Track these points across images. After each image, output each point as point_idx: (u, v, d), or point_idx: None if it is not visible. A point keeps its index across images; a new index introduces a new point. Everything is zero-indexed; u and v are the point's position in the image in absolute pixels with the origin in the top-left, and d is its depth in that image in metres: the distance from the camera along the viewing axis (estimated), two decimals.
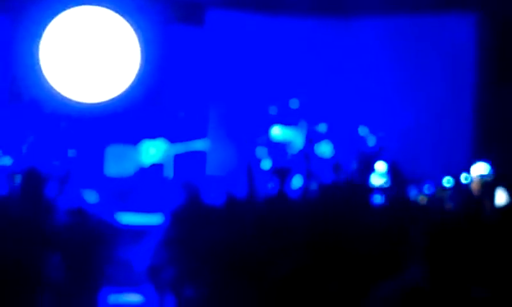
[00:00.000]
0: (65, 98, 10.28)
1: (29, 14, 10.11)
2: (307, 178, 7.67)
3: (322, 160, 9.55)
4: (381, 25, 10.80)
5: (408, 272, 2.93)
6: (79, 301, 5.32)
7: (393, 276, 2.89)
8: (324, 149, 9.73)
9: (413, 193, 8.32)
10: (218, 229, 4.78)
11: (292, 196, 6.18)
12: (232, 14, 10.80)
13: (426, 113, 10.44)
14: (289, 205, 5.33)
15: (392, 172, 8.12)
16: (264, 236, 4.34)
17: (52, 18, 10.29)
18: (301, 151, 9.71)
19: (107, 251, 5.79)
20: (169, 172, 9.78)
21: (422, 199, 7.83)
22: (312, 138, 9.74)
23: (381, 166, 7.85)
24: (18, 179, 7.61)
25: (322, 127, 9.86)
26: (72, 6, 10.35)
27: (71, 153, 9.32)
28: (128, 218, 7.82)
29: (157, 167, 9.78)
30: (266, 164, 9.48)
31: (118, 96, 10.54)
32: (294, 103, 9.93)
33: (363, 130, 9.84)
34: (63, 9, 10.32)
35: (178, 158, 9.89)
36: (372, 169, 9.01)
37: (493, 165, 7.76)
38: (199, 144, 10.01)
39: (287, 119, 9.83)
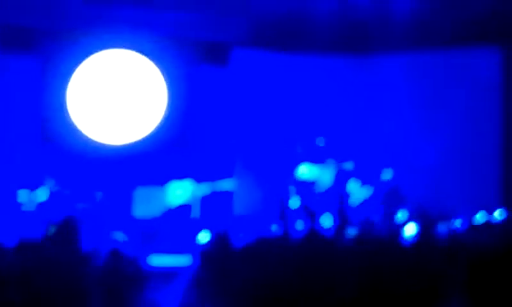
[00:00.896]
0: (92, 140, 10.35)
1: (58, 57, 10.25)
2: (340, 218, 7.61)
3: (351, 199, 9.52)
4: (402, 62, 10.82)
5: None
6: None
7: None
8: (353, 188, 9.71)
9: (443, 230, 8.24)
10: (250, 269, 4.72)
11: (323, 235, 6.11)
12: (256, 53, 10.87)
13: (451, 150, 10.35)
14: (324, 245, 5.27)
15: (419, 214, 8.10)
16: (298, 276, 4.28)
17: (81, 61, 10.42)
18: (329, 190, 9.69)
19: (138, 294, 5.74)
20: (196, 213, 9.78)
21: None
22: (342, 177, 9.72)
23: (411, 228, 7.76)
24: (53, 229, 7.65)
25: (349, 165, 9.84)
26: (100, 50, 10.49)
27: (99, 195, 9.37)
28: (157, 260, 7.79)
29: (184, 208, 9.79)
30: (294, 203, 9.46)
31: (145, 137, 10.58)
32: (320, 141, 9.95)
33: (385, 172, 9.82)
34: (91, 52, 10.45)
35: (206, 199, 9.88)
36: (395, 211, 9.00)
37: None
38: (226, 185, 10.00)
39: (313, 158, 9.83)
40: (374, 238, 5.44)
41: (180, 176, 9.90)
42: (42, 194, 9.11)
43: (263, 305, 4.15)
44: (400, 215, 8.98)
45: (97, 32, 10.27)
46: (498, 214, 8.10)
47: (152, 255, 7.57)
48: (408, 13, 10.07)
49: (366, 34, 10.64)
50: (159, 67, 10.67)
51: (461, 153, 10.29)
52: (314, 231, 6.05)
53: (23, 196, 9.09)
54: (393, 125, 10.85)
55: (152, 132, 10.60)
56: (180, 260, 7.81)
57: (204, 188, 9.90)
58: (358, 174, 9.84)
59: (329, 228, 8.26)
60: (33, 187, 9.16)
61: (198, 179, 9.92)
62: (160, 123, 10.63)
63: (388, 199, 9.72)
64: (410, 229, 7.55)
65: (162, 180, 9.97)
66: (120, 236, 8.62)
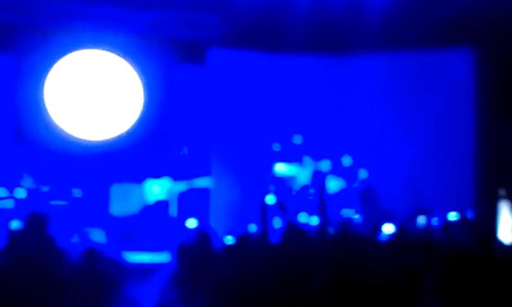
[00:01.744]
0: (69, 135, 10.27)
1: (34, 54, 10.15)
2: (318, 215, 7.66)
3: (329, 196, 9.56)
4: (379, 62, 10.85)
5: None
6: None
7: None
8: (331, 185, 9.76)
9: (418, 227, 8.35)
10: (228, 267, 4.74)
11: (300, 232, 6.14)
12: (233, 52, 10.86)
13: (426, 148, 10.41)
14: (301, 242, 5.30)
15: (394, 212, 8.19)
16: (276, 274, 4.30)
17: (58, 59, 10.35)
18: (305, 187, 9.73)
19: (115, 291, 5.73)
20: (173, 210, 9.75)
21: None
22: (319, 175, 9.76)
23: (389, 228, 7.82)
24: (16, 224, 7.61)
25: (326, 164, 9.88)
26: (77, 49, 10.42)
27: (76, 193, 9.31)
28: (135, 256, 7.77)
29: (161, 205, 9.76)
30: (270, 200, 9.49)
31: (122, 134, 10.53)
32: (297, 140, 9.99)
33: (361, 171, 9.89)
34: (68, 51, 10.38)
35: (182, 196, 9.87)
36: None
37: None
38: (202, 182, 10.00)
39: (290, 156, 9.87)
40: (351, 234, 5.47)
41: (158, 173, 9.86)
42: (20, 192, 9.04)
43: (241, 303, 4.16)
44: (376, 213, 9.05)
45: (73, 30, 10.19)
46: (469, 213, 8.22)
47: (129, 252, 7.56)
48: (382, 14, 10.12)
49: (342, 34, 10.65)
50: (135, 67, 10.62)
51: (435, 152, 10.35)
52: (291, 229, 6.05)
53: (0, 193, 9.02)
54: (369, 124, 10.89)
55: (129, 130, 10.55)
56: (158, 257, 7.82)
57: (181, 186, 9.89)
58: (334, 172, 9.90)
59: (306, 225, 8.30)
60: (10, 185, 9.08)
61: (175, 176, 9.89)
62: (138, 120, 10.58)
63: (363, 198, 9.81)
64: (387, 227, 7.62)
65: (139, 177, 9.94)
66: (97, 233, 8.62)
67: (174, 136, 10.55)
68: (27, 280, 4.40)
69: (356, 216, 9.39)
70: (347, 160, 10.05)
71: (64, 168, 9.48)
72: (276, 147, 9.96)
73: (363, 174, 9.98)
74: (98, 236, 8.39)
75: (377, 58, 10.81)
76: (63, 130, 10.27)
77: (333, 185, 9.77)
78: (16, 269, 4.52)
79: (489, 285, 2.64)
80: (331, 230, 6.89)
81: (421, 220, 8.52)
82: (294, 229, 5.87)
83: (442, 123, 10.46)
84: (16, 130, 10.02)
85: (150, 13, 10.25)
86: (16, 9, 9.85)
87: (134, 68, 10.61)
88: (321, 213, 7.34)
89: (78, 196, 9.30)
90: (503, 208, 8.92)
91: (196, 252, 5.36)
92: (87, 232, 8.41)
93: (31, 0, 9.76)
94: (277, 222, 8.78)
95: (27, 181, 9.14)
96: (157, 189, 9.81)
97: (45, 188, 9.21)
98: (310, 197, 9.66)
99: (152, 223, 9.50)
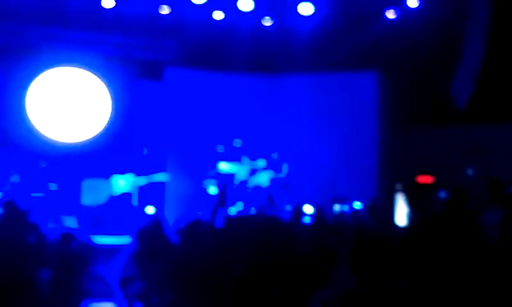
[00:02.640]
0: (47, 138, 10.04)
1: (17, 69, 9.87)
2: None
3: (260, 189, 9.59)
4: (304, 81, 10.86)
5: (337, 277, 2.90)
6: None
7: (325, 282, 2.85)
8: (262, 179, 9.79)
9: (336, 210, 8.44)
10: (178, 247, 4.71)
11: (237, 218, 6.12)
12: (185, 71, 10.75)
13: (340, 150, 10.50)
14: (237, 226, 5.28)
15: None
16: (220, 250, 4.29)
17: (38, 74, 10.10)
18: (243, 182, 9.74)
19: (86, 267, 5.63)
20: (135, 200, 9.64)
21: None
22: (254, 172, 9.77)
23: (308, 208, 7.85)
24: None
25: (260, 162, 9.91)
26: (54, 66, 10.20)
27: (52, 186, 9.11)
28: (102, 239, 7.65)
29: (125, 196, 9.63)
30: (215, 192, 9.49)
31: (93, 138, 10.36)
32: (238, 143, 9.97)
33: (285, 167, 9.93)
34: (47, 68, 10.15)
35: (142, 189, 9.76)
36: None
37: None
38: (159, 177, 9.92)
39: (231, 156, 9.85)
40: (278, 218, 5.48)
41: (122, 170, 9.74)
42: (6, 185, 8.81)
43: (188, 277, 4.15)
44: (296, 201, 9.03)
45: (52, 50, 9.96)
46: (373, 202, 8.35)
47: (97, 235, 7.45)
48: (306, 42, 10.23)
49: (273, 57, 10.76)
50: (104, 80, 10.45)
51: (346, 154, 10.43)
52: (229, 216, 6.05)
53: None
54: (294, 130, 10.92)
55: (98, 133, 10.38)
56: (121, 239, 7.71)
57: (142, 180, 9.79)
58: (266, 169, 9.95)
59: (242, 212, 8.30)
60: None
61: (137, 172, 9.76)
62: (106, 125, 10.42)
63: (286, 188, 9.80)
64: (307, 207, 7.66)
65: (107, 173, 9.75)
66: (70, 220, 8.45)
67: (136, 139, 10.39)
68: (9, 262, 4.31)
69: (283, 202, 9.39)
70: (275, 158, 10.07)
71: (42, 165, 9.26)
72: (220, 149, 9.92)
73: (287, 169, 10.00)
74: (71, 222, 8.23)
75: (302, 78, 10.83)
76: (42, 134, 10.05)
77: (265, 179, 9.81)
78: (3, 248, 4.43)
79: (387, 256, 2.66)
80: (264, 216, 6.91)
81: (336, 207, 8.63)
82: (230, 217, 5.89)
83: (353, 131, 10.53)
84: (2, 133, 9.73)
85: (118, 37, 10.12)
86: (3, 32, 9.59)
87: (103, 82, 10.45)
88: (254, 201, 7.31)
89: (54, 188, 9.08)
90: (398, 199, 9.07)
91: (152, 235, 5.31)
92: (62, 219, 8.23)
93: (16, 24, 9.48)
94: (220, 211, 8.77)
95: (13, 177, 8.90)
96: (121, 183, 9.66)
97: (25, 183, 9.00)
98: (248, 190, 9.70)
99: (116, 211, 9.32)
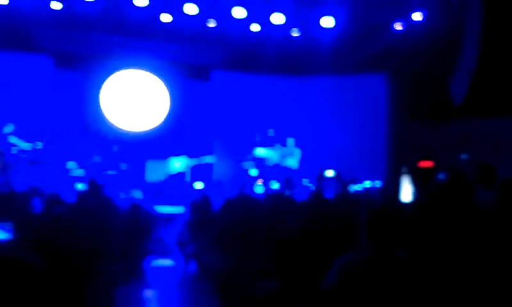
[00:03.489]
0: (118, 128, 10.23)
1: (94, 72, 10.08)
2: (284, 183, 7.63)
3: (290, 170, 9.60)
4: (325, 82, 10.76)
5: (357, 246, 2.88)
6: (133, 266, 5.27)
7: (347, 250, 2.82)
8: (291, 163, 9.81)
9: (352, 189, 8.38)
10: (223, 216, 4.75)
11: (274, 194, 6.07)
12: (229, 73, 10.76)
13: (355, 140, 10.40)
14: (276, 201, 5.23)
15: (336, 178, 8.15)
16: (259, 221, 4.28)
17: (110, 76, 10.29)
18: (276, 165, 9.77)
19: (149, 232, 5.74)
20: (188, 177, 9.75)
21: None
22: (284, 156, 9.77)
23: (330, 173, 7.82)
24: (81, 186, 7.58)
25: (290, 148, 9.91)
26: (123, 69, 10.37)
27: (123, 166, 9.34)
28: (162, 208, 7.76)
29: (180, 175, 9.74)
30: (253, 173, 9.56)
31: (154, 127, 10.51)
32: (271, 132, 9.98)
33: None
34: (117, 70, 10.33)
35: (194, 168, 9.87)
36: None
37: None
38: (207, 159, 10.02)
39: (266, 143, 9.88)
40: (312, 196, 5.43)
41: (178, 153, 9.86)
42: (86, 165, 9.05)
43: (233, 240, 4.18)
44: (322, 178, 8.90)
45: (121, 56, 10.14)
46: (382, 183, 8.30)
47: (158, 205, 7.61)
48: (328, 50, 10.17)
49: (301, 61, 10.71)
50: (163, 81, 10.59)
51: (360, 142, 10.35)
52: (269, 192, 6.01)
53: (72, 165, 9.03)
54: (318, 123, 10.84)
55: (159, 124, 10.53)
56: (177, 209, 7.80)
57: (193, 161, 9.89)
58: (292, 152, 9.90)
59: (277, 190, 8.31)
60: (81, 160, 9.08)
61: (190, 155, 9.87)
62: (165, 118, 10.56)
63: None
64: (328, 172, 7.51)
65: (165, 155, 9.89)
66: (137, 193, 8.64)
67: (189, 128, 10.51)
68: (91, 225, 4.42)
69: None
70: (300, 148, 9.97)
71: (115, 149, 9.48)
72: (257, 136, 9.94)
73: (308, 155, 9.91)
74: (138, 195, 8.41)
75: (324, 79, 10.75)
76: (113, 124, 10.25)
77: (293, 162, 9.82)
78: (83, 217, 4.48)
79: (394, 225, 2.66)
80: (294, 192, 6.87)
81: (354, 187, 8.57)
82: (269, 193, 5.87)
83: (366, 123, 10.43)
84: (83, 124, 10.00)
85: (173, 45, 10.22)
86: (81, 42, 9.79)
87: (162, 82, 10.58)
88: (285, 181, 7.24)
89: (124, 168, 9.24)
90: (404, 180, 9.02)
91: (201, 207, 5.40)
92: (130, 192, 8.43)
93: (92, 34, 9.68)
94: (258, 188, 8.84)
95: (95, 158, 9.13)
96: (177, 163, 9.79)
97: (102, 163, 9.23)
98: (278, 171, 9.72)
99: (173, 186, 9.44)
